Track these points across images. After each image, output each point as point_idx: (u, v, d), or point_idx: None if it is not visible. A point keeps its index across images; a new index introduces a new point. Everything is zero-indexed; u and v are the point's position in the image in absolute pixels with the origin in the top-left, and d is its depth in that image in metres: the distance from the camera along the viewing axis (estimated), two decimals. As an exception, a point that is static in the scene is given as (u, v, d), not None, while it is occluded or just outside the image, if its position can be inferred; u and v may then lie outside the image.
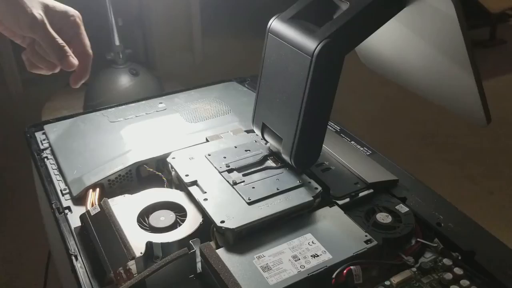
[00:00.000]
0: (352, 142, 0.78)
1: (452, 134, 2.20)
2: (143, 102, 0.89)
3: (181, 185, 0.66)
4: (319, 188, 0.63)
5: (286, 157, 0.65)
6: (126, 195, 0.64)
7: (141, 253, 0.55)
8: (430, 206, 0.64)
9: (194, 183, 0.64)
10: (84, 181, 0.68)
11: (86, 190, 0.67)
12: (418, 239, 0.59)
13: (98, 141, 0.77)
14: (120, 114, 0.85)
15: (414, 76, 0.69)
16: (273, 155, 0.70)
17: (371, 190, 0.65)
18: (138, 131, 0.79)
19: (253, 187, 0.63)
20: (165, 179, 0.69)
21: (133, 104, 0.88)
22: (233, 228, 0.56)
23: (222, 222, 0.57)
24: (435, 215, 0.62)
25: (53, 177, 0.72)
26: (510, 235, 1.63)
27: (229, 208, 0.60)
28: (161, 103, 0.88)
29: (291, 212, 0.61)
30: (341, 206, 0.63)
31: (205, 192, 0.62)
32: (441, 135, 2.24)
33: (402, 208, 0.62)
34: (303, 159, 0.64)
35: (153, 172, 0.70)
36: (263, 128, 0.69)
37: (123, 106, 0.87)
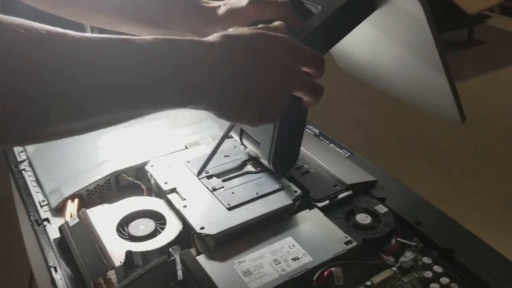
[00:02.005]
0: (331, 145, 0.79)
1: (434, 134, 2.22)
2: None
3: (160, 193, 0.66)
4: (299, 191, 0.64)
5: (264, 162, 0.65)
6: (105, 205, 0.63)
7: (120, 262, 0.55)
8: (409, 206, 0.64)
9: (173, 190, 0.64)
10: (63, 192, 0.68)
11: (64, 201, 0.67)
12: (398, 239, 0.60)
13: (76, 151, 0.76)
14: (98, 123, 0.84)
15: (389, 79, 0.70)
16: (252, 159, 0.70)
17: (350, 192, 0.66)
18: (116, 140, 0.78)
19: (233, 192, 0.63)
20: (144, 188, 0.69)
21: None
22: (213, 234, 0.56)
23: (202, 228, 0.57)
24: (414, 214, 0.63)
25: (31, 189, 0.71)
26: (492, 233, 1.65)
27: (208, 214, 0.59)
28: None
29: (271, 216, 0.61)
30: (320, 209, 0.63)
31: (185, 199, 0.62)
32: (423, 135, 2.26)
33: (381, 209, 0.63)
34: (282, 163, 0.64)
35: (132, 180, 0.70)
36: (241, 134, 0.69)
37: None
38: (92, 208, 0.62)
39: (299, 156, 0.66)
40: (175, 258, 0.55)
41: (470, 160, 2.13)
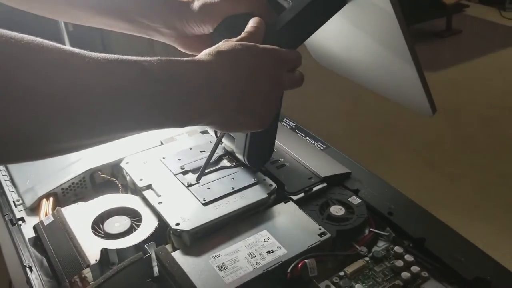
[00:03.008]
0: (307, 138, 0.79)
1: (412, 124, 2.25)
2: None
3: (136, 190, 0.66)
4: (274, 185, 0.64)
5: (240, 156, 0.66)
6: (80, 203, 0.63)
7: (96, 260, 0.55)
8: (382, 197, 0.65)
9: (149, 187, 0.64)
10: (37, 191, 0.67)
11: (39, 200, 0.66)
12: (371, 229, 0.61)
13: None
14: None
15: (362, 72, 0.71)
16: (228, 154, 0.70)
17: (325, 184, 0.66)
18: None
19: (208, 188, 0.64)
20: (119, 185, 0.69)
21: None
22: (188, 230, 0.57)
23: (177, 224, 0.57)
24: (387, 204, 0.64)
25: (5, 188, 0.71)
26: (468, 220, 1.69)
27: (184, 210, 0.60)
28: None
29: (246, 210, 0.61)
30: (296, 201, 0.64)
31: (160, 196, 0.62)
32: (401, 126, 2.28)
33: (355, 200, 0.64)
34: (256, 157, 0.65)
35: (107, 178, 0.69)
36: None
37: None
38: (67, 207, 0.62)
39: (275, 150, 0.67)
40: (150, 255, 0.56)
41: (449, 149, 2.16)
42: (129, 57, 0.43)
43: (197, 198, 0.62)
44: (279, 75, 0.53)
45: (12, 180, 0.72)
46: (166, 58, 0.45)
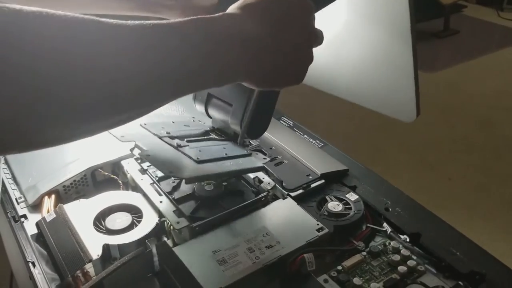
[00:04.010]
0: (305, 136, 0.80)
1: (409, 124, 2.26)
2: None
3: (137, 187, 0.67)
4: (268, 158, 0.64)
5: (235, 126, 0.62)
6: (82, 200, 0.64)
7: (98, 255, 0.56)
8: (379, 193, 0.66)
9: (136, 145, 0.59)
10: (39, 188, 0.68)
11: (41, 198, 0.67)
12: (368, 225, 0.62)
13: (52, 148, 0.76)
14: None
15: (345, 78, 0.69)
16: (215, 130, 0.68)
17: (323, 181, 0.67)
18: (92, 136, 0.78)
19: (200, 150, 0.60)
20: (120, 182, 0.70)
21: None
22: (185, 178, 0.55)
23: (171, 172, 0.56)
24: (383, 200, 0.65)
25: (8, 186, 0.71)
26: (465, 220, 1.70)
27: (176, 164, 0.56)
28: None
29: (242, 172, 0.59)
30: (294, 198, 0.65)
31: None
32: (398, 126, 2.30)
33: (352, 196, 0.65)
34: (256, 127, 0.61)
35: (108, 175, 0.70)
36: (208, 100, 0.65)
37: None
38: (69, 204, 0.63)
39: (273, 148, 0.68)
40: (151, 250, 0.57)
41: (446, 148, 2.17)
42: (163, 23, 0.41)
43: (190, 157, 0.58)
44: (311, 26, 0.51)
45: (14, 178, 0.72)
46: (197, 17, 0.43)
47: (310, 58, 0.52)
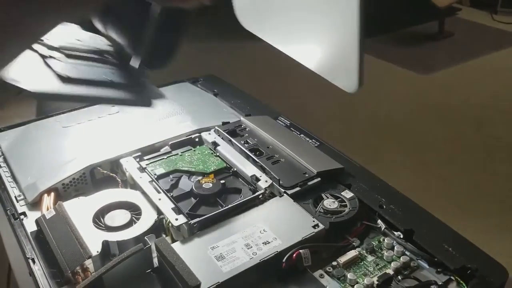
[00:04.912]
0: (301, 135, 0.81)
1: (406, 124, 2.28)
2: (96, 106, 0.90)
3: (135, 185, 0.68)
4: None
5: (130, 49, 0.53)
6: (81, 197, 0.65)
7: (97, 251, 0.57)
8: (373, 191, 0.68)
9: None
10: (39, 186, 0.69)
11: (41, 195, 0.68)
12: (363, 222, 0.63)
13: (51, 146, 0.77)
14: (72, 119, 0.85)
15: (289, 31, 0.58)
16: (113, 53, 0.57)
17: (319, 179, 0.69)
18: (91, 135, 0.80)
19: (75, 68, 0.50)
20: (119, 180, 0.70)
21: (85, 109, 0.89)
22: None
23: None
24: (378, 198, 0.66)
25: (7, 184, 0.72)
26: (460, 219, 1.71)
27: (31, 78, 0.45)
28: (114, 106, 0.89)
29: (116, 102, 0.58)
30: (291, 195, 0.66)
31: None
32: (394, 126, 2.31)
33: (348, 194, 0.66)
34: (157, 53, 0.53)
35: (107, 173, 0.71)
36: (106, 19, 0.55)
37: (76, 111, 0.88)
38: (68, 201, 0.64)
39: (270, 146, 0.68)
40: (150, 246, 0.58)
41: (441, 149, 2.19)
42: None
43: (55, 72, 0.48)
44: None
45: (13, 176, 0.73)
46: None
47: None
